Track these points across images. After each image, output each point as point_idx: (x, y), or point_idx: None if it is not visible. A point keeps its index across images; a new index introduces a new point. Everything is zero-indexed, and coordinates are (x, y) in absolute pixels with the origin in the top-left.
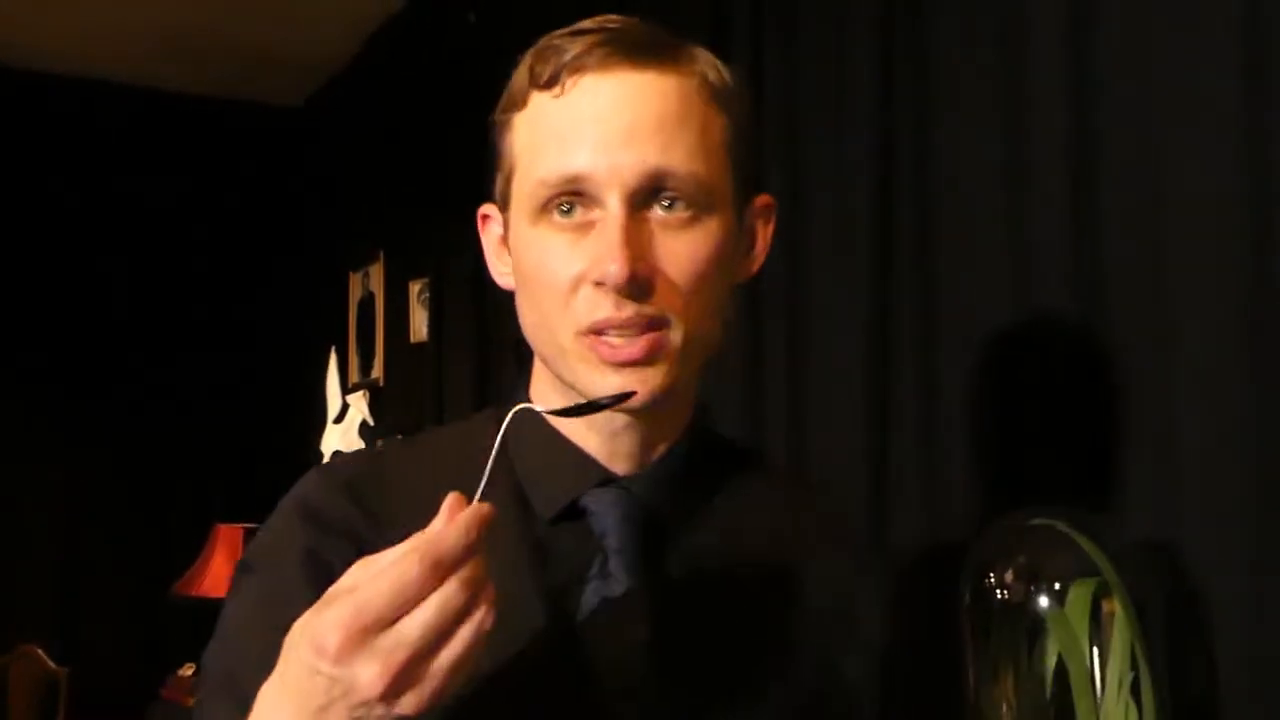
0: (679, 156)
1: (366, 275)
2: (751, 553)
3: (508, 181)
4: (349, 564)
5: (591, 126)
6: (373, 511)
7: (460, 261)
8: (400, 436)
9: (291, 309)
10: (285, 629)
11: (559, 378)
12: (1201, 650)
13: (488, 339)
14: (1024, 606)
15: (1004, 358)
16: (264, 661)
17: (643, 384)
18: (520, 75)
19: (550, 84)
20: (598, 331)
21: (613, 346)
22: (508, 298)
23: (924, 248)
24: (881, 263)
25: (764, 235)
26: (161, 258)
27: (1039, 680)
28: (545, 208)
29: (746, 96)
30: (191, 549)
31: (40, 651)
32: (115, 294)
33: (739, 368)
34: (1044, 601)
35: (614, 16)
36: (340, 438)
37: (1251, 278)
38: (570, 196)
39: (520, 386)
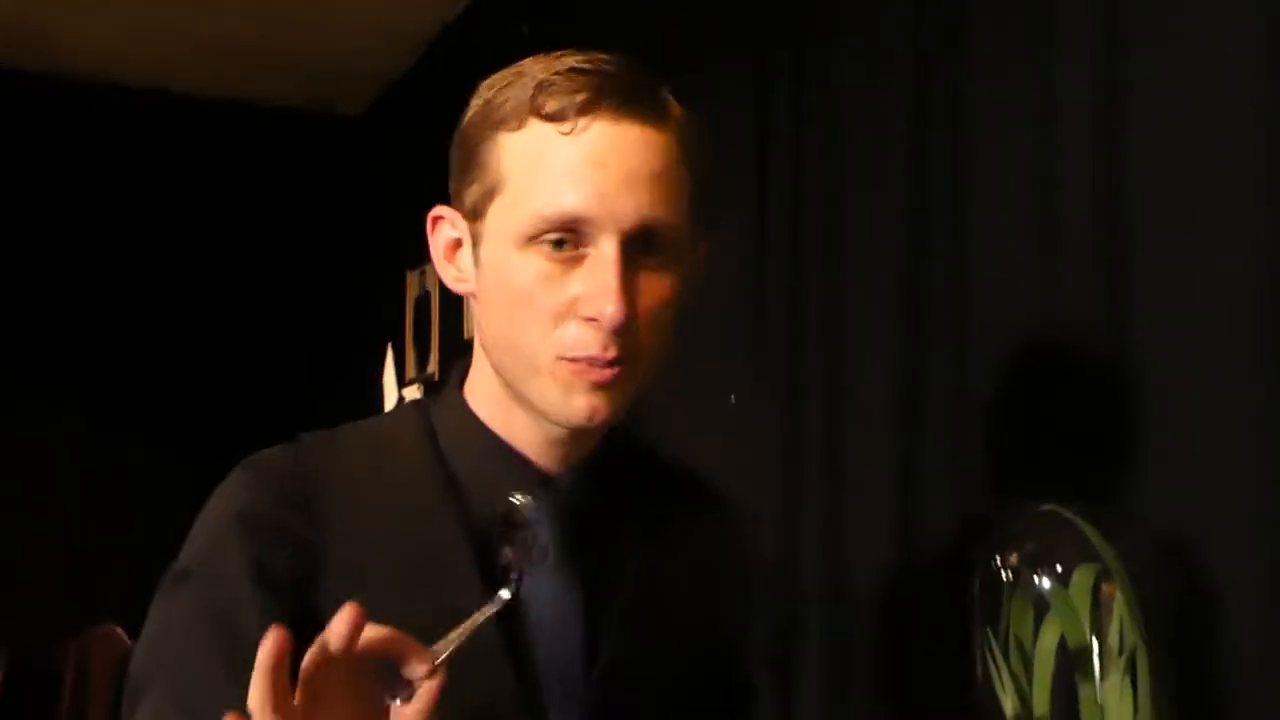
0: (665, 209)
1: (423, 274)
2: (659, 538)
3: (487, 197)
4: (295, 567)
5: (597, 171)
6: (307, 510)
7: None
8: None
9: (351, 307)
10: (238, 640)
11: (514, 389)
12: (1208, 636)
13: None
14: (1030, 588)
15: (1032, 365)
16: (213, 673)
17: (605, 405)
18: (515, 98)
19: (557, 119)
20: (575, 359)
21: (591, 369)
22: None
23: (956, 251)
24: (913, 268)
25: (698, 278)
26: (226, 257)
27: (1043, 658)
28: (536, 238)
29: (706, 142)
30: None
31: (120, 631)
32: (184, 290)
33: (776, 377)
34: (1048, 583)
35: (604, 56)
36: None
37: (1272, 280)
38: (564, 232)
39: (453, 385)
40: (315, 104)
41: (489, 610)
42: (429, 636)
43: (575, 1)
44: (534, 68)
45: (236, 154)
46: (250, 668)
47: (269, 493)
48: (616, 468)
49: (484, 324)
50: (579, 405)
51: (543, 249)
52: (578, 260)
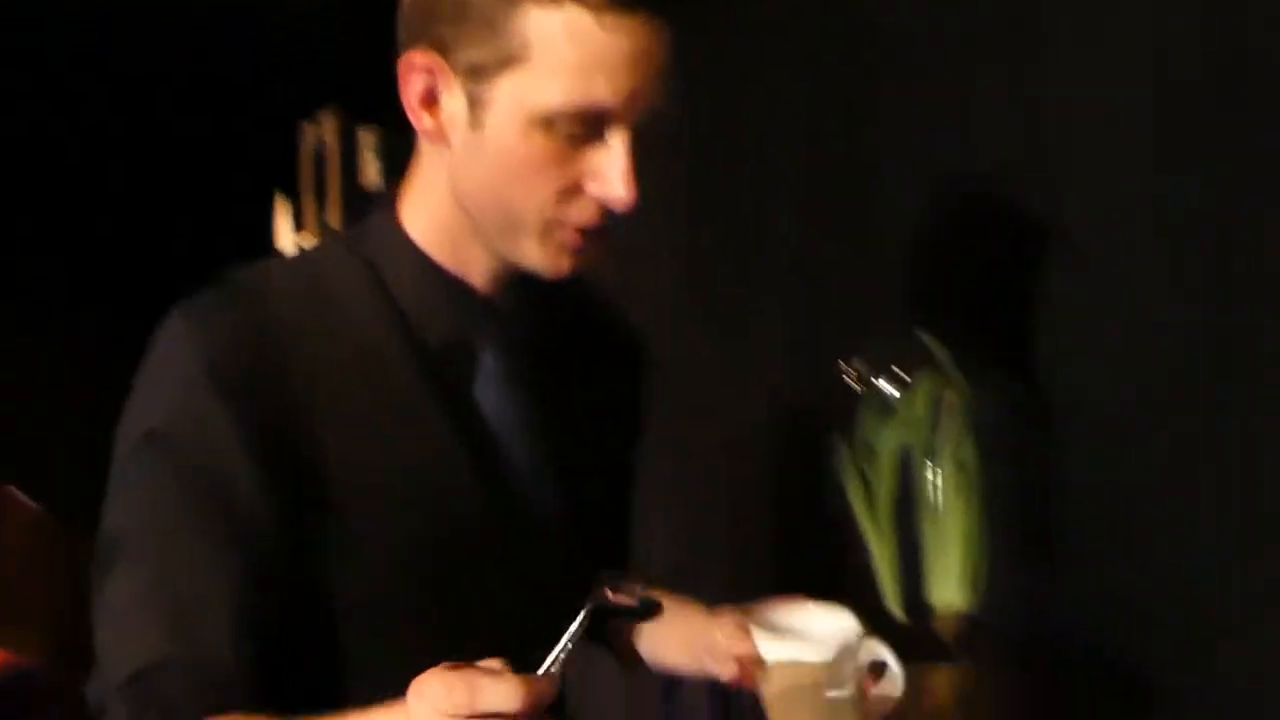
0: (665, 99)
1: (317, 125)
2: (575, 351)
3: (502, 64)
4: (270, 423)
5: (634, 70)
6: (267, 358)
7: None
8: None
9: (246, 159)
10: (230, 508)
11: (487, 234)
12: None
13: None
14: (876, 395)
15: (939, 213)
16: (204, 543)
17: (582, 263)
18: None
19: (597, 9)
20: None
21: (584, 238)
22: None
23: (866, 101)
24: (821, 113)
25: None
26: (116, 111)
27: (886, 459)
28: (555, 119)
29: None
30: None
31: (16, 490)
32: (70, 151)
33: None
34: (892, 390)
35: None
36: None
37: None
38: (586, 119)
39: (385, 219)
40: None
41: (576, 629)
42: (402, 479)
43: None
44: None
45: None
46: (242, 534)
47: (230, 344)
48: (540, 288)
49: (466, 177)
50: (564, 264)
51: (559, 131)
52: (588, 140)
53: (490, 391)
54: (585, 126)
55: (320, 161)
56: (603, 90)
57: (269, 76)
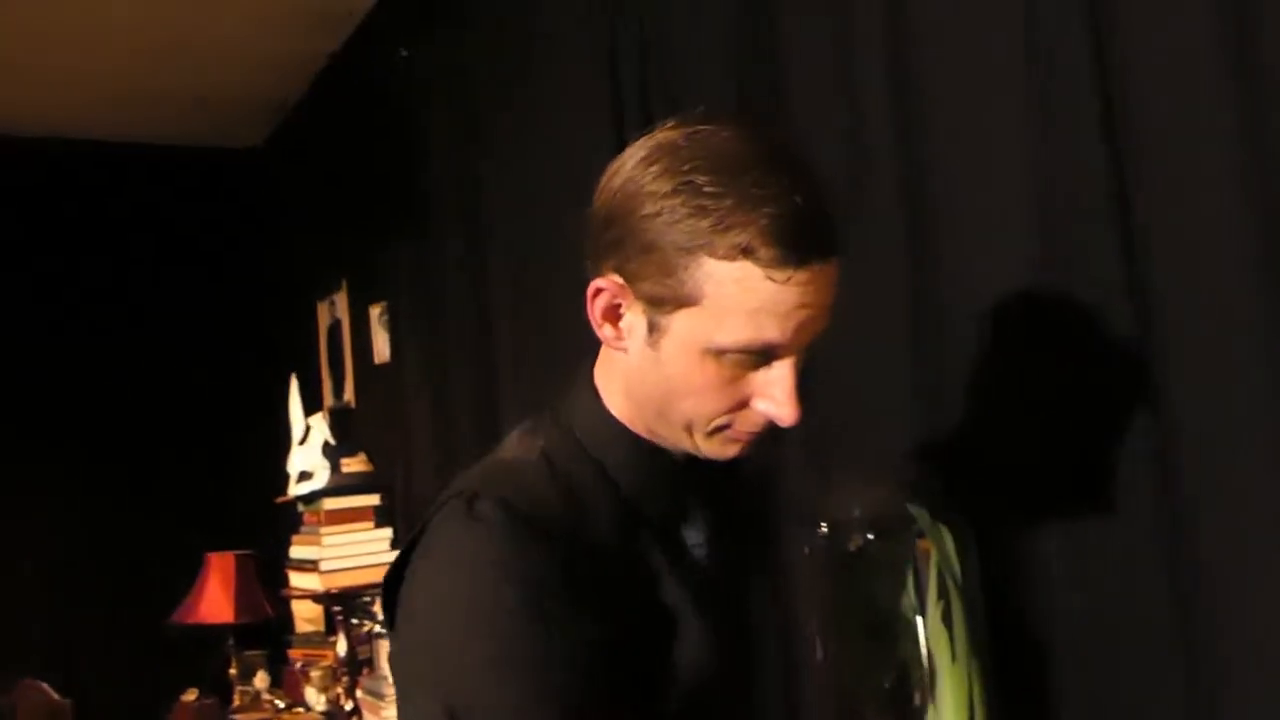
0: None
1: (333, 303)
2: (746, 496)
3: (677, 302)
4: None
5: (803, 310)
6: (555, 565)
7: (413, 282)
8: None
9: (264, 340)
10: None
11: (654, 425)
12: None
13: (443, 354)
14: (857, 548)
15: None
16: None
17: (747, 450)
18: (720, 229)
19: (770, 266)
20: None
21: (749, 437)
22: (461, 317)
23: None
24: None
25: None
26: (139, 299)
27: (866, 606)
28: (726, 352)
29: None
30: (179, 576)
31: (45, 685)
32: (97, 337)
33: None
34: (873, 541)
35: (795, 179)
36: (304, 458)
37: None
38: (753, 351)
39: (588, 400)
40: (215, 140)
41: None
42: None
43: (446, 26)
44: (729, 187)
45: (141, 196)
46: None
47: (535, 560)
48: None
49: (641, 382)
50: (730, 452)
51: (729, 360)
52: (756, 366)
53: (700, 546)
54: (754, 357)
55: (334, 337)
56: (772, 332)
57: (289, 262)
